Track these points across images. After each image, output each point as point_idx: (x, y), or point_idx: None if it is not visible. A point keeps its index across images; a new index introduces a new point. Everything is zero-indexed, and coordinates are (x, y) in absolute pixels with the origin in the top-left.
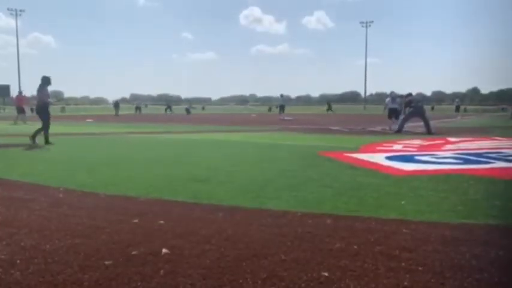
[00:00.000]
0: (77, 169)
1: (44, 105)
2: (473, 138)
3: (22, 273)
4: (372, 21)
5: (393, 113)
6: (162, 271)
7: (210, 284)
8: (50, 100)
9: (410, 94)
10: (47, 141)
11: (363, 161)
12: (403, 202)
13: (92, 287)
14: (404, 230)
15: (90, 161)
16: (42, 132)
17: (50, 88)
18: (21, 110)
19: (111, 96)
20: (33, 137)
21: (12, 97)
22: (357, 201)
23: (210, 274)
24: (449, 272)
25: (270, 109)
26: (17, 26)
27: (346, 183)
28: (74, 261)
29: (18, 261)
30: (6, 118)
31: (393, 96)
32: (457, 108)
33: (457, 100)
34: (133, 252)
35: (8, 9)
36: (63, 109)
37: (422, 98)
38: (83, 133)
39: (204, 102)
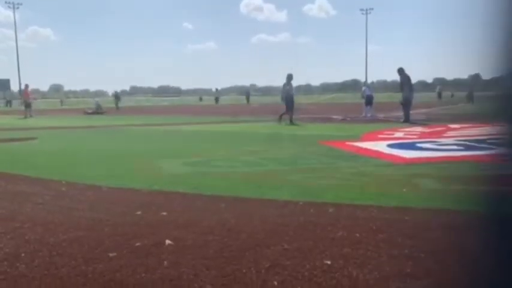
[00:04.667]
0: (78, 162)
1: (289, 95)
2: (475, 125)
3: (27, 266)
4: (372, 9)
5: (370, 100)
6: (165, 262)
7: (213, 274)
8: (293, 92)
9: (401, 69)
10: (291, 122)
11: (364, 149)
12: (404, 190)
13: (96, 279)
14: (406, 218)
15: (92, 154)
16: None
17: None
18: (28, 104)
19: (112, 89)
20: (280, 118)
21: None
22: (358, 189)
23: (213, 264)
24: (452, 259)
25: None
26: (15, 19)
27: (347, 171)
28: (78, 253)
29: (22, 255)
30: (11, 112)
31: (368, 86)
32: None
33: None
34: (137, 244)
35: (5, 2)
36: (62, 102)
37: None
38: (84, 126)
39: (205, 93)
